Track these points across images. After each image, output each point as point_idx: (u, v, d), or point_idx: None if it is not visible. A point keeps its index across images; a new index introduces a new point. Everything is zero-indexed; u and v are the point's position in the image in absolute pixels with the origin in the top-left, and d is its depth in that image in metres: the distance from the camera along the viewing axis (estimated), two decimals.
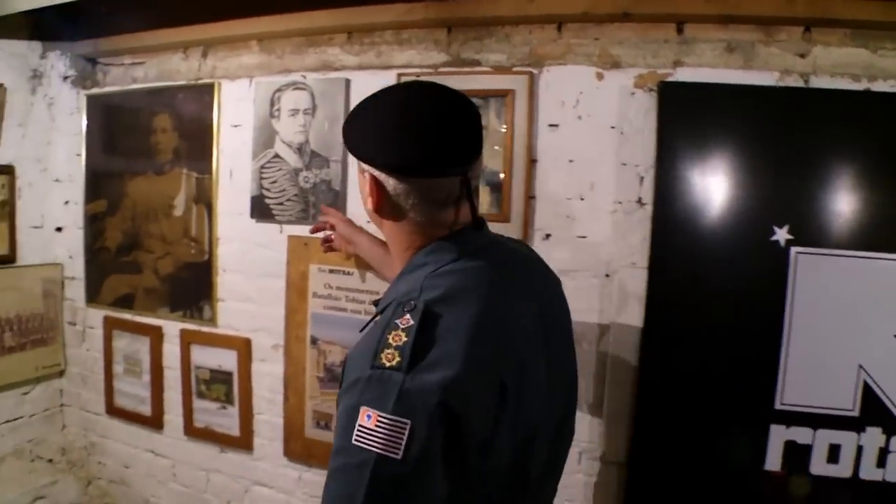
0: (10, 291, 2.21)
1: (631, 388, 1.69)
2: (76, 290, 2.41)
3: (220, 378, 2.12)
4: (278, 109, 1.96)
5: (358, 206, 1.77)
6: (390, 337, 0.83)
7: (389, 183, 0.93)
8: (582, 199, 1.72)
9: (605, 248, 1.71)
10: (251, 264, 2.07)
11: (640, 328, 1.67)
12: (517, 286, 1.00)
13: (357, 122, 0.97)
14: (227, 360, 2.10)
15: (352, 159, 1.75)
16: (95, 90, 2.32)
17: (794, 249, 1.54)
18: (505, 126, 1.74)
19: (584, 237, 1.72)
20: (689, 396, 1.63)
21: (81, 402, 2.46)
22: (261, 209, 1.99)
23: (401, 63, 1.87)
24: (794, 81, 1.57)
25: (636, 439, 1.69)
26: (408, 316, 0.85)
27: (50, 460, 2.40)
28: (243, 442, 2.10)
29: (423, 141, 0.90)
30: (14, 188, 2.21)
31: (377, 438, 0.76)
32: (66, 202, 2.40)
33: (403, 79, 1.82)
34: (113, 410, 2.35)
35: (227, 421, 2.11)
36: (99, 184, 2.31)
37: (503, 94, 1.73)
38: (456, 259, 0.95)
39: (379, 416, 0.77)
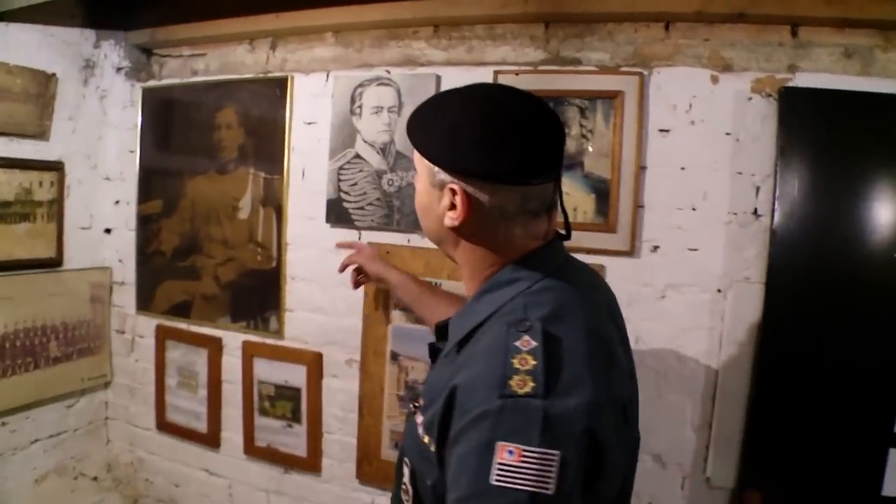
0: (57, 297, 2.23)
1: (743, 410, 1.71)
2: (125, 297, 2.44)
3: (286, 394, 2.13)
4: (360, 106, 1.98)
5: None
6: (515, 361, 0.80)
7: (482, 194, 0.90)
8: (694, 210, 1.74)
9: (717, 261, 1.72)
10: (324, 272, 2.08)
11: (754, 346, 1.69)
12: (601, 303, 1.02)
13: (438, 125, 0.93)
14: (294, 375, 2.11)
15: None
16: (152, 83, 2.35)
17: None
18: (613, 130, 1.72)
19: (694, 250, 1.74)
20: (805, 418, 1.63)
21: (129, 415, 2.49)
22: (338, 213, 2.01)
23: (494, 60, 1.89)
24: None
25: (747, 463, 1.70)
26: (526, 337, 0.82)
27: (94, 478, 2.43)
28: (311, 463, 2.11)
29: (526, 144, 0.90)
30: (63, 186, 2.22)
31: (526, 475, 0.73)
32: (117, 202, 2.44)
33: (502, 77, 1.86)
34: (164, 426, 2.37)
35: (292, 440, 2.11)
36: (154, 183, 2.35)
37: (611, 96, 1.74)
38: (550, 273, 0.94)
39: (524, 450, 0.74)
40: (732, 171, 1.70)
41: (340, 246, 1.89)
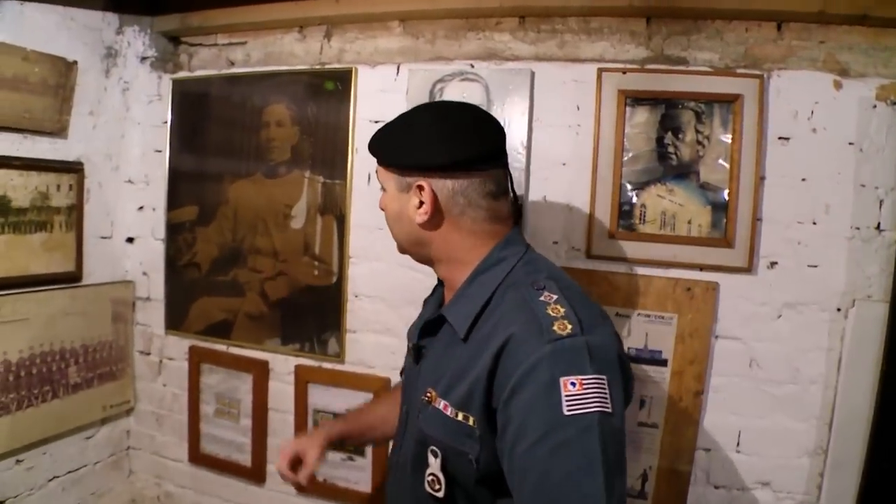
0: (76, 316, 2.02)
1: (864, 435, 1.64)
2: (152, 314, 2.24)
3: None
4: None
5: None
6: (549, 311, 0.95)
7: (445, 186, 1.07)
8: (814, 224, 1.67)
9: (838, 279, 1.66)
10: (393, 289, 1.94)
11: (878, 368, 1.63)
12: None
13: (396, 137, 1.12)
14: (358, 402, 1.91)
15: (542, 173, 1.79)
16: (183, 74, 2.13)
17: None
18: (732, 136, 1.62)
19: (814, 266, 1.67)
20: None
21: (155, 446, 2.29)
22: None
23: (591, 56, 1.78)
24: None
25: (868, 492, 1.64)
26: (546, 293, 0.99)
27: None
28: (376, 499, 1.95)
29: (477, 134, 1.09)
30: (83, 190, 2.00)
31: (591, 399, 0.87)
32: (141, 208, 2.22)
33: (606, 75, 1.74)
34: (198, 457, 2.19)
35: (355, 475, 1.98)
36: (186, 187, 2.15)
37: (730, 100, 1.66)
38: (527, 248, 1.14)
39: (583, 379, 0.88)
40: (856, 183, 1.63)
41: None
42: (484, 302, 1.05)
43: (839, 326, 1.65)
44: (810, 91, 1.64)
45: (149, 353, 2.26)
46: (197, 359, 2.15)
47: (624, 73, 1.72)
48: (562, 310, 0.95)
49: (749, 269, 1.67)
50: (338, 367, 1.99)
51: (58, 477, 2.02)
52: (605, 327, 0.99)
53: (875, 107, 1.61)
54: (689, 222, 1.69)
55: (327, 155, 1.95)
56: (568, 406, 0.86)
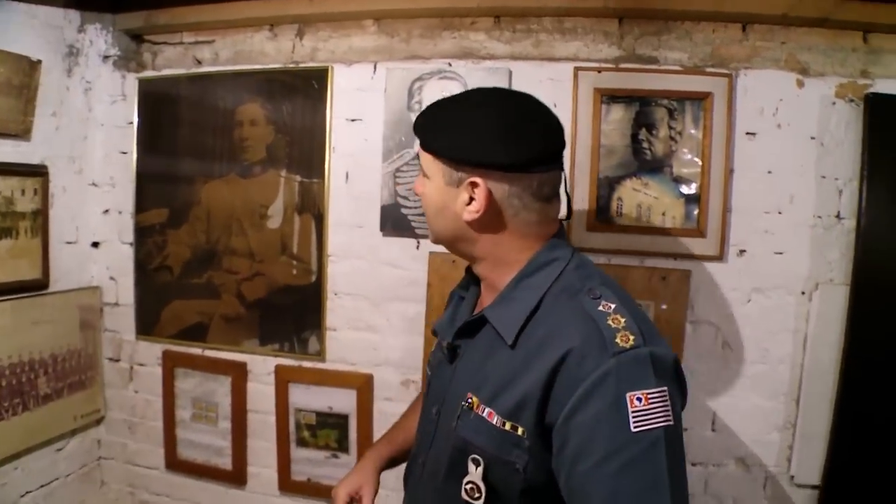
0: (45, 325, 1.96)
1: (829, 409, 1.76)
2: (120, 320, 2.19)
3: (329, 422, 2.01)
4: (419, 102, 1.88)
5: None
6: (610, 322, 0.92)
7: (501, 187, 1.00)
8: (780, 213, 1.78)
9: (802, 264, 1.77)
10: (375, 287, 1.97)
11: (840, 347, 1.74)
12: None
13: (453, 125, 1.02)
14: (340, 400, 1.99)
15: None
16: (149, 73, 2.06)
17: None
18: (703, 132, 1.71)
19: (780, 253, 1.78)
20: (893, 416, 1.71)
21: (127, 454, 2.24)
22: (395, 220, 1.90)
23: (565, 55, 1.84)
24: None
25: (833, 461, 1.76)
26: (604, 302, 0.95)
27: None
28: None
29: (540, 134, 1.01)
30: (48, 195, 1.93)
31: (656, 413, 0.86)
32: (106, 211, 2.16)
33: (582, 74, 1.80)
34: (175, 464, 2.16)
35: (338, 472, 1.95)
36: (155, 189, 2.11)
37: (701, 97, 1.75)
38: (574, 251, 1.08)
39: (648, 393, 0.86)
40: (817, 174, 1.75)
41: None
42: (533, 307, 1.00)
43: (804, 309, 1.77)
44: (775, 89, 1.75)
45: (118, 360, 2.21)
46: (171, 363, 2.12)
47: (599, 71, 1.79)
48: (622, 320, 0.92)
49: (720, 257, 1.77)
50: (319, 365, 2.00)
51: (30, 492, 1.96)
52: (659, 335, 0.96)
53: (834, 104, 1.73)
54: (664, 214, 1.77)
55: (304, 154, 1.95)
56: (635, 423, 0.85)
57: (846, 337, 1.74)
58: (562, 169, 1.06)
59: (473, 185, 0.99)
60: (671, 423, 0.87)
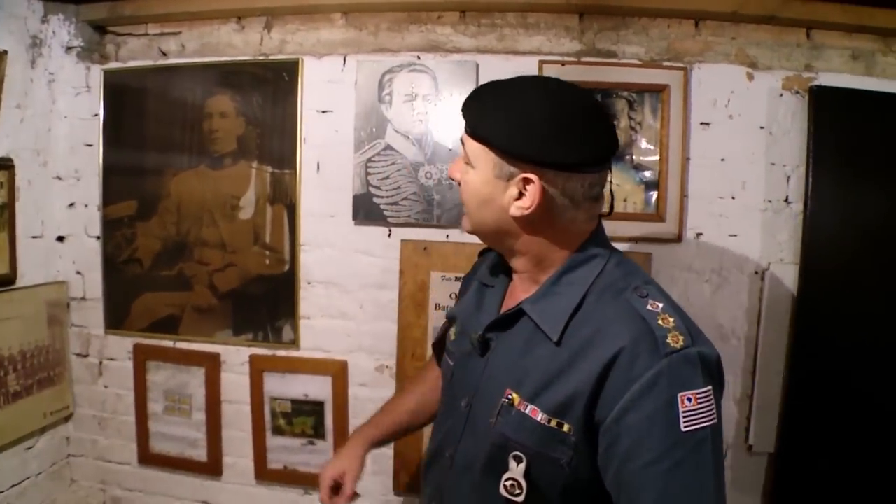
0: (13, 321, 1.95)
1: (781, 382, 1.90)
2: (88, 314, 2.19)
3: (305, 410, 2.05)
4: (389, 94, 1.93)
5: None
6: (660, 322, 0.94)
7: (554, 185, 0.98)
8: (733, 198, 1.90)
9: (755, 245, 1.91)
10: (348, 275, 2.03)
11: (790, 322, 1.89)
12: None
13: (510, 117, 0.98)
14: (315, 387, 2.03)
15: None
16: (114, 65, 2.06)
17: None
18: (661, 122, 1.82)
19: (734, 235, 1.91)
20: (839, 387, 1.85)
21: (98, 450, 2.24)
22: (367, 209, 1.95)
23: (529, 49, 1.93)
24: None
25: (786, 430, 1.89)
26: (651, 301, 0.98)
27: None
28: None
29: (595, 133, 1.00)
30: (14, 188, 1.92)
31: (703, 413, 0.90)
32: (72, 204, 2.15)
33: (547, 67, 1.89)
34: (148, 458, 2.17)
35: (315, 458, 2.04)
36: (123, 181, 2.12)
37: (659, 90, 1.84)
38: (612, 247, 1.10)
39: (697, 394, 0.90)
40: (767, 161, 1.88)
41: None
42: (576, 304, 1.01)
43: (757, 287, 1.91)
44: (726, 82, 1.88)
45: (86, 355, 2.20)
46: (142, 357, 2.13)
47: (563, 65, 1.88)
48: (671, 320, 0.94)
49: (679, 239, 1.89)
50: (293, 353, 2.04)
51: (2, 492, 1.95)
52: (704, 335, 0.98)
53: (782, 95, 1.87)
54: (625, 200, 1.87)
55: (275, 145, 1.99)
56: (685, 423, 0.88)
57: (795, 312, 1.87)
58: (610, 168, 1.05)
59: (527, 181, 0.97)
60: (716, 421, 0.91)
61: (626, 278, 1.02)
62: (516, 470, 1.01)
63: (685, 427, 0.88)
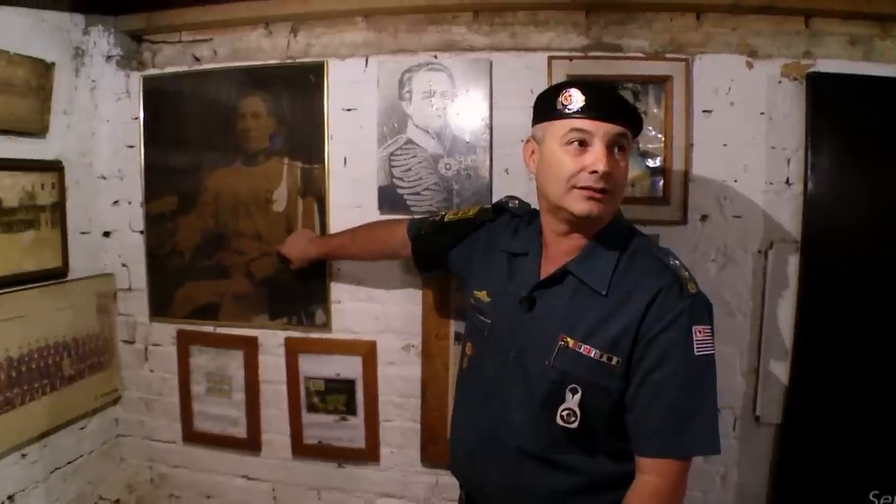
0: (66, 311, 2.21)
1: (788, 355, 2.08)
2: (133, 304, 2.45)
3: (337, 388, 2.27)
4: (409, 91, 2.14)
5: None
6: (681, 272, 1.34)
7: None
8: (736, 181, 2.08)
9: (757, 226, 2.09)
10: (374, 262, 2.20)
11: (795, 298, 2.07)
12: None
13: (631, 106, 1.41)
14: (346, 367, 2.25)
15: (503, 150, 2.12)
16: (152, 71, 2.30)
17: None
18: (664, 112, 2.01)
19: (738, 216, 2.09)
20: (845, 360, 2.01)
21: (145, 430, 2.51)
22: (392, 200, 2.17)
23: (540, 45, 2.13)
24: None
25: (793, 401, 2.07)
26: (671, 255, 1.40)
27: (116, 501, 2.40)
28: (369, 453, 2.29)
29: None
30: (64, 188, 2.18)
31: (708, 344, 1.29)
32: (116, 202, 2.41)
33: (556, 62, 2.06)
34: (192, 436, 2.43)
35: (347, 433, 2.26)
36: (163, 179, 2.36)
37: (662, 81, 2.03)
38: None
39: (705, 328, 1.30)
40: (767, 146, 2.06)
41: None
42: (615, 263, 1.36)
43: (761, 265, 2.09)
44: (727, 71, 2.05)
45: (133, 342, 2.46)
46: (185, 342, 2.38)
47: (570, 59, 2.07)
48: (686, 273, 1.34)
49: (684, 221, 2.08)
50: (325, 335, 2.28)
51: (59, 468, 2.22)
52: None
53: (780, 82, 2.04)
54: (633, 185, 2.07)
55: (304, 142, 2.22)
56: (697, 349, 1.26)
57: (799, 289, 2.05)
58: None
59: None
60: (714, 352, 1.30)
61: (644, 242, 1.43)
62: (572, 401, 1.33)
63: (697, 352, 1.26)
